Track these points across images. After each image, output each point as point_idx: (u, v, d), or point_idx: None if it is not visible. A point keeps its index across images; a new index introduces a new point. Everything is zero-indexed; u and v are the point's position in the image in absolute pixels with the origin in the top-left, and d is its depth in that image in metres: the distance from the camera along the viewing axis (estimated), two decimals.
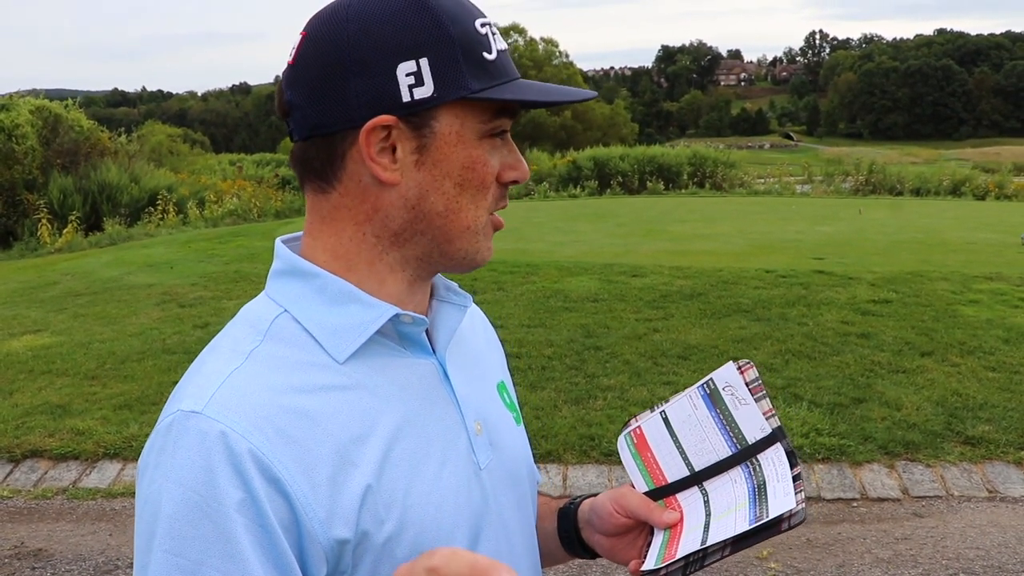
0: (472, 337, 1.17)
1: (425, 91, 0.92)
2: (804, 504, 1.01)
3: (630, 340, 7.05)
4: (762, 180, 27.96)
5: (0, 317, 9.12)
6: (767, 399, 1.10)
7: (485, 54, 0.94)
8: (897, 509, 4.57)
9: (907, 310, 7.78)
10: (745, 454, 1.09)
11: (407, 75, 0.92)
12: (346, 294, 0.97)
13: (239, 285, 9.96)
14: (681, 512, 1.10)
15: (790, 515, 1.00)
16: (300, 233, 1.04)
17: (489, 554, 0.98)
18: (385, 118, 0.92)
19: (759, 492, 1.05)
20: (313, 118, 0.95)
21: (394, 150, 0.94)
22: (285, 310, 0.97)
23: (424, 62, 0.92)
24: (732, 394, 1.11)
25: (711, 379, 1.12)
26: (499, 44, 0.97)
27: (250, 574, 0.83)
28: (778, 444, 1.09)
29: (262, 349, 0.94)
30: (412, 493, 0.94)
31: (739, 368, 1.11)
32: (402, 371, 0.99)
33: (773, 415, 1.10)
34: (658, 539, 1.09)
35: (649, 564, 1.06)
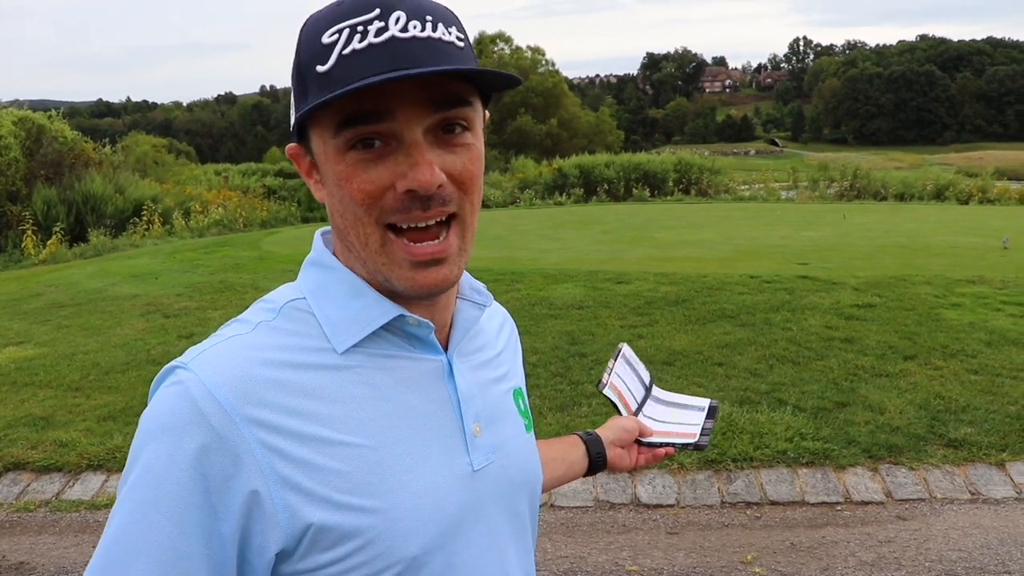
0: (495, 340, 1.20)
1: (294, 115, 0.99)
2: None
3: (615, 346, 7.05)
4: (747, 186, 28.11)
5: None
6: (642, 361, 1.86)
7: (318, 67, 0.92)
8: (881, 512, 4.59)
9: (890, 314, 7.82)
10: (648, 390, 1.80)
11: (294, 101, 0.99)
12: (360, 290, 1.01)
13: (224, 295, 9.93)
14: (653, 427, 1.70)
15: (712, 402, 1.79)
16: None
17: (471, 555, 1.02)
18: (292, 145, 1.03)
19: (677, 405, 1.78)
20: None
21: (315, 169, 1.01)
22: (304, 296, 1.03)
23: (295, 88, 0.98)
24: (633, 360, 1.82)
25: (623, 353, 1.80)
26: (357, 44, 0.91)
27: (184, 522, 0.89)
28: (654, 384, 1.84)
29: (272, 324, 1.00)
30: (387, 481, 0.96)
31: (628, 346, 1.84)
32: (404, 367, 1.02)
33: (647, 368, 1.85)
34: (664, 439, 1.67)
35: (681, 441, 1.67)
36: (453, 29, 0.96)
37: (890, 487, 4.81)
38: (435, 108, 0.93)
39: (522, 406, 1.20)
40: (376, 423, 0.98)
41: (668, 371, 6.41)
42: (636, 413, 1.72)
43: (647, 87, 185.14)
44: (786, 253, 11.74)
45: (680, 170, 26.42)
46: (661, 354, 6.80)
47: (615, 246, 13.06)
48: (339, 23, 0.92)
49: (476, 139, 0.99)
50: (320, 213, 21.77)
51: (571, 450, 1.56)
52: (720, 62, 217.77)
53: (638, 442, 1.66)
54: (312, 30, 0.95)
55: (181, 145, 71.78)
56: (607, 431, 1.63)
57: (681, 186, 25.54)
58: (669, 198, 24.16)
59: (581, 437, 1.59)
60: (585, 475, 1.60)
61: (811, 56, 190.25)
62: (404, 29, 0.91)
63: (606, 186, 25.06)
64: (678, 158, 28.06)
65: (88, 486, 5.20)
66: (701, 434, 1.68)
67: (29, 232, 17.44)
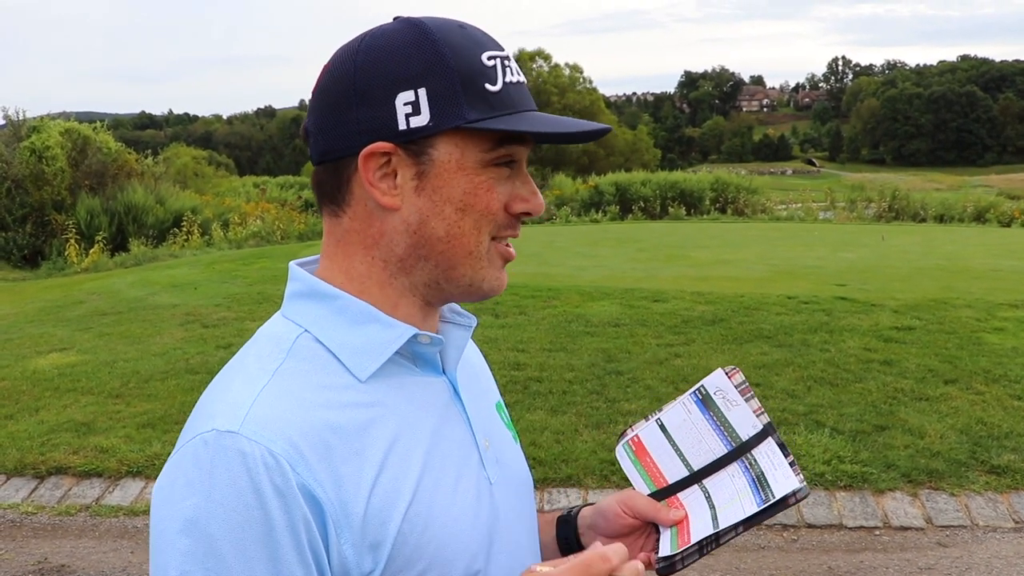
0: (472, 358, 1.21)
1: (421, 120, 0.95)
2: (805, 483, 1.11)
3: (651, 365, 7.04)
4: (784, 206, 27.90)
5: (27, 335, 9.23)
6: (755, 399, 1.19)
7: (488, 85, 0.97)
8: (920, 538, 4.53)
9: (930, 337, 7.72)
10: (740, 451, 1.18)
11: (405, 104, 0.95)
12: (366, 314, 1.00)
13: (262, 306, 10.03)
14: (684, 509, 1.19)
15: (795, 493, 1.10)
16: (314, 257, 1.09)
17: (501, 567, 1.04)
18: (382, 145, 0.96)
19: (759, 481, 1.14)
20: (323, 144, 1.00)
21: (395, 176, 0.98)
22: (305, 330, 1.00)
23: (422, 92, 0.95)
24: (723, 397, 1.19)
25: (702, 385, 1.21)
26: (510, 77, 0.99)
27: None
28: (770, 438, 1.18)
29: (287, 367, 0.96)
30: (434, 509, 0.97)
31: (727, 373, 1.20)
32: (418, 389, 1.03)
33: (763, 412, 1.19)
34: (666, 534, 1.17)
35: (664, 551, 1.14)
36: None
37: (930, 513, 4.74)
38: (532, 142, 1.03)
39: (505, 418, 1.22)
40: (414, 452, 0.98)
41: None
42: (677, 488, 1.21)
43: (684, 105, 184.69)
44: (823, 274, 11.64)
45: (717, 189, 26.30)
46: (697, 374, 6.76)
47: (651, 264, 13.02)
48: (487, 50, 0.99)
49: None
50: None
51: (543, 530, 1.30)
52: (758, 81, 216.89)
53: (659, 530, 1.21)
54: (460, 44, 0.97)
55: (221, 157, 72.71)
56: (586, 511, 1.30)
57: (718, 205, 25.41)
58: (705, 217, 24.04)
59: (559, 517, 1.33)
60: None
61: (850, 76, 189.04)
62: (518, 72, 1.02)
63: (642, 204, 24.99)
64: (715, 177, 27.94)
65: (127, 492, 5.27)
66: (695, 546, 1.13)
67: (72, 241, 17.74)
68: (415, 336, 1.01)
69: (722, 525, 1.11)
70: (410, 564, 0.93)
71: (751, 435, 1.18)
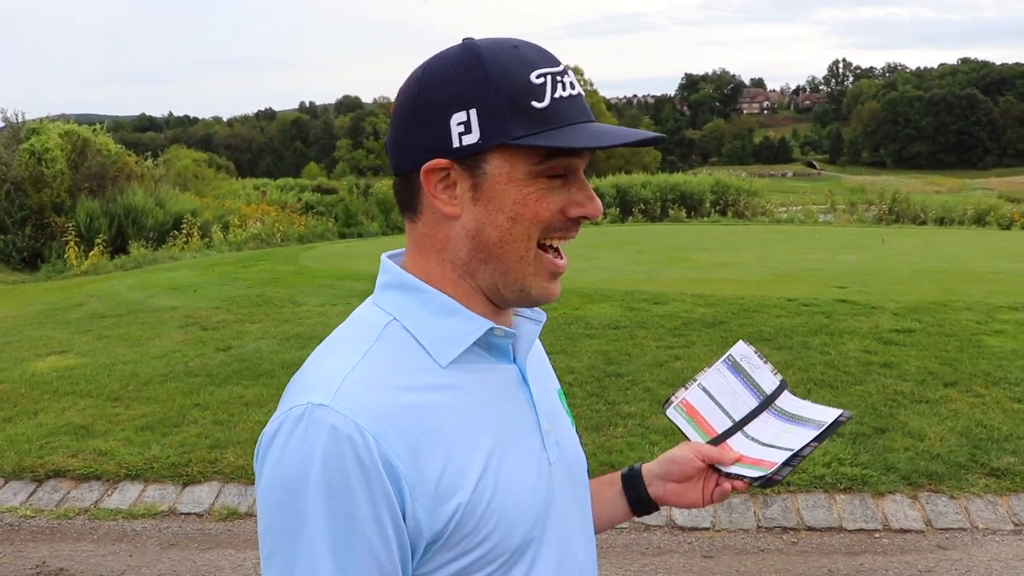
0: (537, 350, 1.34)
1: (472, 138, 1.06)
2: (841, 410, 1.44)
3: (651, 367, 7.03)
4: (785, 208, 27.92)
5: (26, 338, 9.23)
6: (769, 362, 1.53)
7: (534, 103, 1.05)
8: (920, 541, 4.52)
9: (930, 340, 7.72)
10: (767, 402, 1.49)
11: (458, 124, 1.06)
12: (449, 308, 1.12)
13: (262, 309, 10.03)
14: (736, 451, 1.44)
15: (841, 415, 1.42)
16: (401, 250, 1.20)
17: (553, 541, 1.17)
18: (439, 161, 1.08)
19: (796, 419, 1.45)
20: (395, 159, 1.14)
21: (455, 188, 1.09)
22: (395, 318, 1.12)
23: (473, 112, 1.06)
24: (748, 362, 1.51)
25: (731, 355, 1.53)
26: (560, 92, 1.07)
27: (373, 552, 0.99)
28: (785, 391, 1.50)
29: (376, 349, 1.08)
30: (500, 483, 1.09)
31: (747, 344, 1.54)
32: (491, 376, 1.15)
33: (777, 372, 1.52)
34: (738, 469, 1.40)
35: (755, 474, 1.37)
36: None
37: (930, 515, 4.73)
38: (590, 152, 1.11)
39: (565, 405, 1.35)
40: (485, 431, 1.10)
41: None
42: (726, 436, 1.47)
43: (684, 108, 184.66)
44: (824, 276, 11.63)
45: (717, 191, 26.35)
46: None
47: (651, 267, 13.01)
48: (538, 68, 1.07)
49: None
50: (358, 229, 21.91)
51: (605, 489, 1.51)
52: (758, 83, 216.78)
53: (716, 470, 1.44)
54: (509, 65, 1.07)
55: (221, 160, 72.80)
56: (652, 464, 1.51)
57: (718, 207, 25.45)
58: (706, 219, 24.05)
59: (623, 474, 1.53)
60: (635, 515, 1.52)
61: (850, 78, 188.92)
62: (573, 86, 1.09)
63: (642, 206, 25.02)
64: (715, 179, 28.00)
65: (126, 495, 5.26)
66: (783, 464, 1.37)
67: (72, 243, 17.76)
68: (491, 329, 1.13)
69: (797, 447, 1.38)
70: (476, 530, 1.05)
71: (773, 389, 1.49)
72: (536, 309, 1.25)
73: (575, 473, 1.28)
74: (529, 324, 1.23)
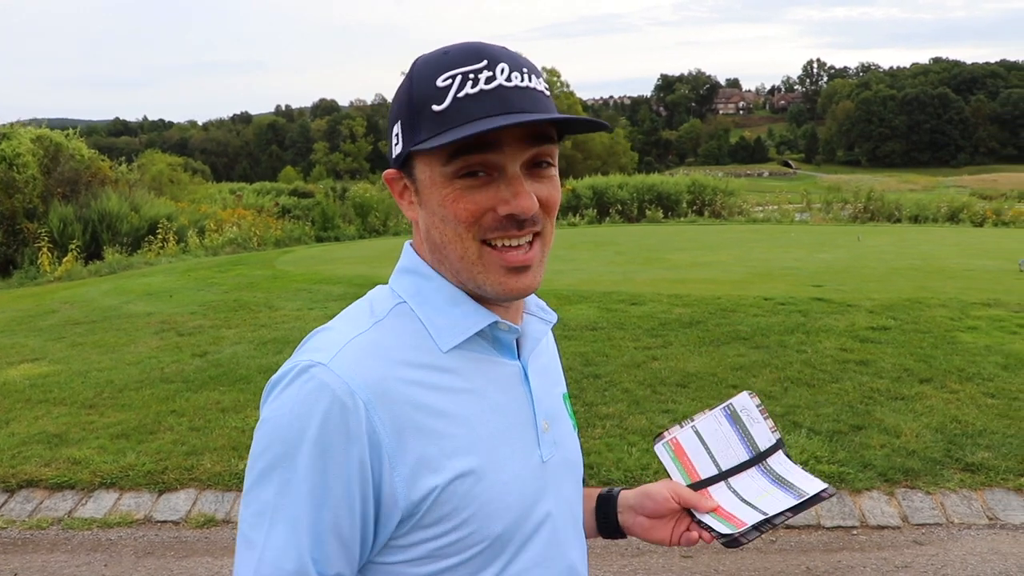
0: (547, 350, 1.37)
1: (399, 148, 1.15)
2: (828, 485, 1.38)
3: (629, 368, 7.04)
4: (761, 208, 28.08)
5: None
6: (770, 418, 1.48)
7: (434, 106, 1.09)
8: (897, 537, 4.55)
9: (906, 337, 7.78)
10: (758, 458, 1.45)
11: (395, 136, 1.16)
12: (458, 297, 1.17)
13: (238, 314, 9.96)
14: (715, 501, 1.41)
15: (824, 491, 1.36)
16: None
17: (541, 537, 1.19)
18: (390, 172, 1.20)
19: (783, 482, 1.40)
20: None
21: (410, 193, 1.18)
22: (405, 300, 1.18)
23: (399, 125, 1.14)
24: (748, 415, 1.47)
25: (731, 404, 1.48)
26: (469, 89, 1.07)
27: (335, 511, 1.05)
28: (780, 451, 1.46)
29: (384, 324, 1.14)
30: (486, 470, 1.12)
31: (750, 396, 1.49)
32: (492, 368, 1.19)
33: (776, 429, 1.47)
34: (710, 519, 1.38)
35: (722, 530, 1.35)
36: (541, 80, 1.14)
37: (906, 511, 4.76)
38: (531, 145, 1.10)
39: (569, 409, 1.37)
40: (477, 417, 1.14)
41: (682, 393, 6.38)
42: (708, 483, 1.44)
43: (661, 108, 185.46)
44: (800, 275, 11.70)
45: (694, 192, 26.45)
46: (675, 376, 6.77)
47: (629, 267, 13.04)
48: (451, 70, 1.09)
49: (556, 171, 1.17)
50: (335, 233, 21.85)
51: (583, 500, 1.46)
52: (734, 84, 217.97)
53: (690, 515, 1.41)
54: (424, 73, 1.11)
55: (196, 164, 72.36)
56: (629, 493, 1.48)
57: (695, 208, 25.55)
58: (683, 219, 24.15)
59: (600, 494, 1.51)
60: (603, 536, 1.50)
61: (824, 78, 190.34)
62: (508, 79, 1.09)
63: (619, 207, 25.08)
64: (692, 179, 28.11)
65: (101, 504, 5.20)
66: (752, 527, 1.33)
67: (45, 249, 17.57)
68: (496, 322, 1.17)
69: (771, 512, 1.34)
70: (455, 512, 1.09)
71: (767, 446, 1.45)
72: (546, 308, 1.32)
73: (572, 474, 1.31)
74: (538, 323, 1.28)
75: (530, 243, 1.14)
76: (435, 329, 1.15)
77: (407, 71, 1.15)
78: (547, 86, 1.15)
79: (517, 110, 1.07)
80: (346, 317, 1.18)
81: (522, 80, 1.09)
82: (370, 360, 1.09)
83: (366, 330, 1.13)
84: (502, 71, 1.08)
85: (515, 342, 1.22)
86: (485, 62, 1.08)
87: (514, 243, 1.13)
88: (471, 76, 1.07)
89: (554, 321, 1.31)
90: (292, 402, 1.06)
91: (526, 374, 1.22)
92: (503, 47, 1.13)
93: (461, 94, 1.07)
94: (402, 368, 1.10)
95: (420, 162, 1.12)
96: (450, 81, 1.08)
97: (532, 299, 1.30)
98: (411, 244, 1.24)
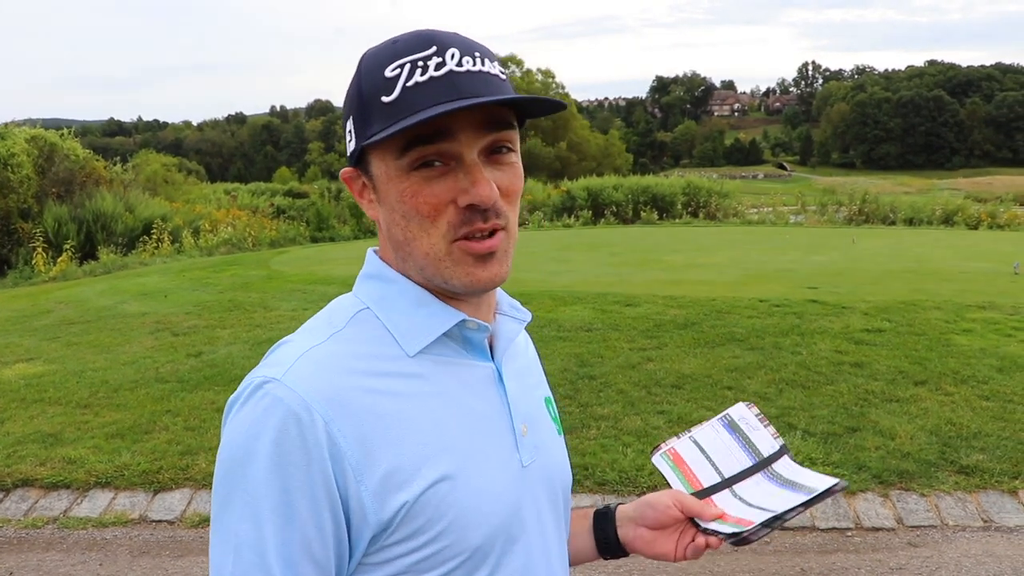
0: (524, 352, 1.33)
1: (353, 144, 1.10)
2: (838, 479, 1.32)
3: (624, 369, 7.05)
4: (756, 210, 28.13)
5: None
6: (771, 425, 1.44)
7: (383, 98, 1.04)
8: (892, 539, 4.56)
9: (900, 339, 7.80)
10: (762, 464, 1.40)
11: (348, 132, 1.11)
12: (422, 299, 1.12)
13: (233, 314, 9.95)
14: (720, 508, 1.36)
15: (836, 484, 1.30)
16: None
17: (522, 545, 1.13)
18: (347, 170, 1.14)
19: (792, 484, 1.35)
20: None
21: (368, 191, 1.13)
22: (368, 307, 1.12)
23: (351, 121, 1.10)
24: (745, 423, 1.45)
25: (728, 414, 1.46)
26: (419, 77, 1.03)
27: (303, 531, 0.99)
28: (786, 456, 1.41)
29: (343, 334, 1.09)
30: (460, 479, 1.06)
31: (747, 406, 1.47)
32: (463, 370, 1.13)
33: (778, 436, 1.44)
34: (716, 524, 1.32)
35: (732, 531, 1.29)
36: (496, 64, 1.09)
37: (901, 513, 4.77)
38: (488, 131, 1.05)
39: (552, 412, 1.31)
40: (448, 422, 1.08)
41: (677, 395, 6.39)
42: (712, 491, 1.38)
43: (656, 110, 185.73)
44: (795, 277, 11.72)
45: (689, 193, 26.46)
46: (670, 377, 6.78)
47: (624, 269, 13.05)
48: (399, 59, 1.04)
49: (517, 158, 1.11)
50: (329, 233, 21.84)
51: (577, 521, 1.41)
52: (729, 86, 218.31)
53: (695, 524, 1.34)
54: (372, 65, 1.06)
55: (191, 164, 72.16)
56: (627, 506, 1.40)
57: (690, 209, 25.56)
58: (677, 221, 24.17)
59: (596, 511, 1.42)
60: (604, 557, 1.42)
61: (820, 80, 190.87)
62: (459, 64, 1.04)
63: (614, 209, 25.09)
64: (686, 181, 28.10)
65: (96, 503, 5.19)
66: (762, 524, 1.27)
67: (40, 249, 17.52)
68: (464, 321, 1.11)
69: (781, 510, 1.28)
70: (431, 522, 1.03)
71: (771, 452, 1.41)
72: (519, 307, 1.26)
73: (555, 480, 1.24)
74: (510, 322, 1.22)
75: (493, 233, 1.09)
76: (400, 333, 1.10)
77: (357, 64, 1.10)
78: (503, 70, 1.10)
79: (469, 95, 1.01)
80: (305, 329, 1.12)
81: (474, 64, 1.04)
82: (326, 372, 1.03)
83: (323, 341, 1.07)
84: (452, 56, 1.03)
85: (487, 343, 1.17)
86: (434, 48, 1.04)
87: (478, 236, 1.07)
88: (420, 64, 1.03)
89: (528, 320, 1.25)
90: (246, 422, 1.00)
91: (500, 376, 1.17)
92: (455, 32, 1.08)
93: (410, 83, 1.03)
94: (362, 377, 1.05)
95: (375, 157, 1.08)
96: (399, 70, 1.03)
97: (504, 298, 1.25)
98: (374, 251, 1.19)
